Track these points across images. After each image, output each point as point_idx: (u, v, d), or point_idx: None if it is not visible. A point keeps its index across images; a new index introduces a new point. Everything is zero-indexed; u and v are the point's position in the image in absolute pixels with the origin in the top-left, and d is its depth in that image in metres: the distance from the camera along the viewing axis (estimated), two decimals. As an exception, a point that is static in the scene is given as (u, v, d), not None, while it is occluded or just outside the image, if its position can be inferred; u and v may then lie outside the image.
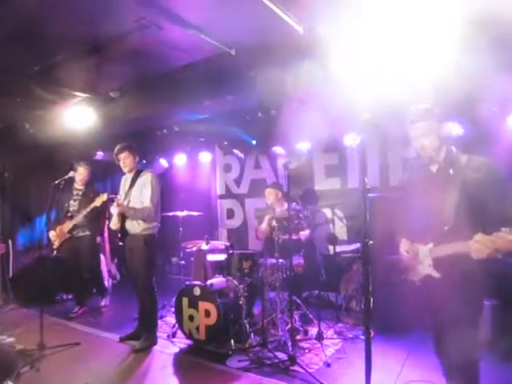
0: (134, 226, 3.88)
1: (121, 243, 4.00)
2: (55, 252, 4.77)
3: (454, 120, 4.06)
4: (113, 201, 4.00)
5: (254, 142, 5.03)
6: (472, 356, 1.88)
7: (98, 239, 5.79)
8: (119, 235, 3.96)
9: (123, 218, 3.91)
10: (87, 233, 4.97)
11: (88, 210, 4.63)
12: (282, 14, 2.80)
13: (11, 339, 3.88)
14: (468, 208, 1.93)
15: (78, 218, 4.75)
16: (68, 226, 4.81)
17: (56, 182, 4.38)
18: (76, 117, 4.99)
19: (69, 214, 4.85)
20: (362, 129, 1.93)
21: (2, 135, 5.80)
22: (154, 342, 3.88)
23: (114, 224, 3.98)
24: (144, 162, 6.28)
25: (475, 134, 4.11)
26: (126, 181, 4.10)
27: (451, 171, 2.06)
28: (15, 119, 5.41)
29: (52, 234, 4.86)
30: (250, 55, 3.55)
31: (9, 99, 4.49)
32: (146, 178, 3.92)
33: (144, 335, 3.87)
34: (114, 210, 3.93)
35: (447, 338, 1.93)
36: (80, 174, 4.92)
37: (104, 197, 4.38)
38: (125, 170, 4.03)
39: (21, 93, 4.29)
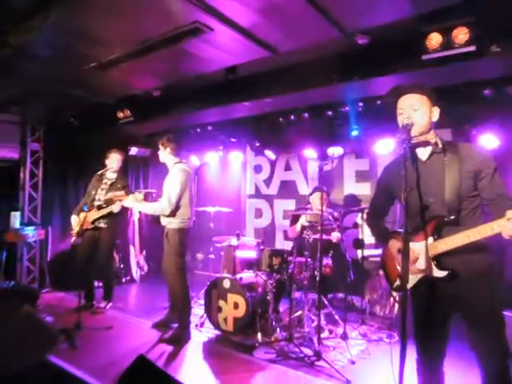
0: (161, 219, 3.98)
1: None
2: (73, 239, 4.55)
3: (489, 131, 4.04)
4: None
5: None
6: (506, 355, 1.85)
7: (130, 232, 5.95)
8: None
9: None
10: (105, 225, 4.69)
11: (113, 209, 4.50)
12: (327, 19, 2.91)
13: (50, 318, 4.11)
14: (473, 192, 1.89)
15: (105, 211, 4.56)
16: (93, 215, 4.59)
17: (99, 173, 4.61)
18: (117, 111, 5.27)
19: (95, 203, 4.60)
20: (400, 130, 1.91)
21: (47, 124, 6.13)
22: (186, 337, 3.86)
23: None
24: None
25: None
26: None
27: (445, 158, 1.93)
28: (63, 110, 5.72)
29: (74, 219, 4.67)
30: (292, 57, 3.69)
31: (62, 92, 4.74)
32: (174, 173, 3.95)
33: (178, 326, 3.94)
34: (126, 203, 4.01)
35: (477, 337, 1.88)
36: (110, 161, 4.75)
37: (125, 201, 4.04)
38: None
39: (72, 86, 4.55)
